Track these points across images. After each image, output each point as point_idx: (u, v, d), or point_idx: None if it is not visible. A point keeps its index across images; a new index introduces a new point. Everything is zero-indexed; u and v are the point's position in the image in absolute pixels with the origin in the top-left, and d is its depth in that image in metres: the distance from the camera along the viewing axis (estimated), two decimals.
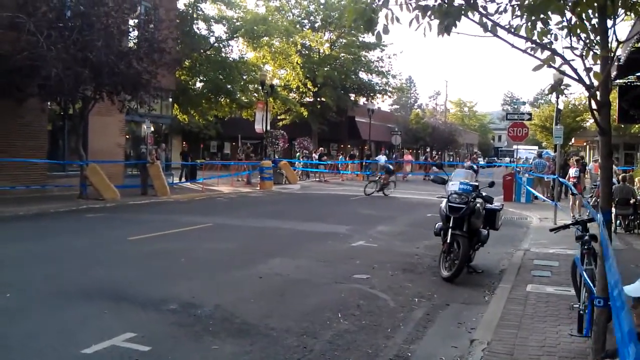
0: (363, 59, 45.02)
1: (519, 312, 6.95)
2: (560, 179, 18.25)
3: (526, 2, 4.73)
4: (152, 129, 25.15)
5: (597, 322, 5.08)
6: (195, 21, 31.69)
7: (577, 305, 6.15)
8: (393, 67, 52.21)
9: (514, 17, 4.90)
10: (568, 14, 4.74)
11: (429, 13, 4.83)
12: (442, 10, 4.76)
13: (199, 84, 33.13)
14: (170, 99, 27.59)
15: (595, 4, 4.54)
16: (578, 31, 4.72)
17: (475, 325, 6.59)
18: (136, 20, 20.87)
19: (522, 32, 4.84)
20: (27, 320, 6.38)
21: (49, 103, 19.13)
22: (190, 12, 31.20)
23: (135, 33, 20.61)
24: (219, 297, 7.45)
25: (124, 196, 19.57)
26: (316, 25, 43.26)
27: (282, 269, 9.43)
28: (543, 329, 6.32)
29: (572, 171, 18.79)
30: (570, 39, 4.83)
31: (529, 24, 4.79)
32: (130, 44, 19.90)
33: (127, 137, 24.62)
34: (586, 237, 6.36)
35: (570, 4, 4.66)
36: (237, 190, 25.98)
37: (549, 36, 4.88)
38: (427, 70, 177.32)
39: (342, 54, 43.53)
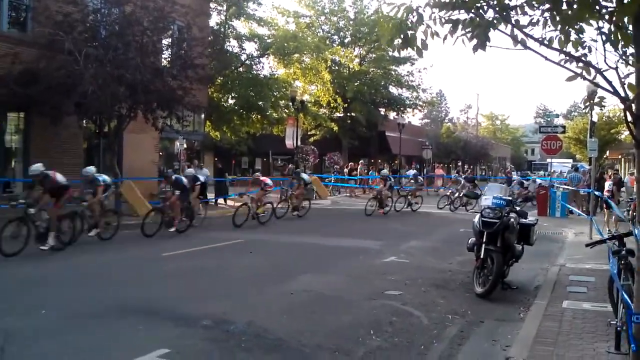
0: (393, 73, 44.91)
1: (554, 329, 6.82)
2: (596, 192, 17.88)
3: (559, 14, 4.67)
4: (185, 145, 25.41)
5: (635, 338, 4.96)
6: (227, 39, 32.09)
7: (615, 322, 5.99)
8: (423, 81, 52.08)
9: (546, 29, 4.84)
10: (602, 23, 4.68)
11: (460, 27, 4.81)
12: (474, 24, 4.73)
13: (230, 101, 33.43)
14: (203, 116, 27.90)
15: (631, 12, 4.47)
16: (613, 38, 4.66)
17: (510, 343, 6.48)
18: (169, 40, 21.24)
19: (555, 44, 4.78)
20: (62, 337, 6.45)
21: (84, 121, 19.47)
22: (223, 30, 31.61)
23: (169, 51, 20.97)
24: (252, 313, 7.46)
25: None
26: (346, 40, 43.35)
27: (313, 285, 9.42)
28: (580, 346, 6.18)
29: (607, 184, 18.49)
30: (604, 48, 4.75)
31: (562, 35, 4.73)
32: (164, 62, 20.23)
33: (161, 154, 24.93)
34: (623, 252, 6.23)
35: (605, 12, 4.59)
36: None
37: (581, 48, 4.82)
38: (458, 84, 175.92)
39: (372, 69, 43.49)
